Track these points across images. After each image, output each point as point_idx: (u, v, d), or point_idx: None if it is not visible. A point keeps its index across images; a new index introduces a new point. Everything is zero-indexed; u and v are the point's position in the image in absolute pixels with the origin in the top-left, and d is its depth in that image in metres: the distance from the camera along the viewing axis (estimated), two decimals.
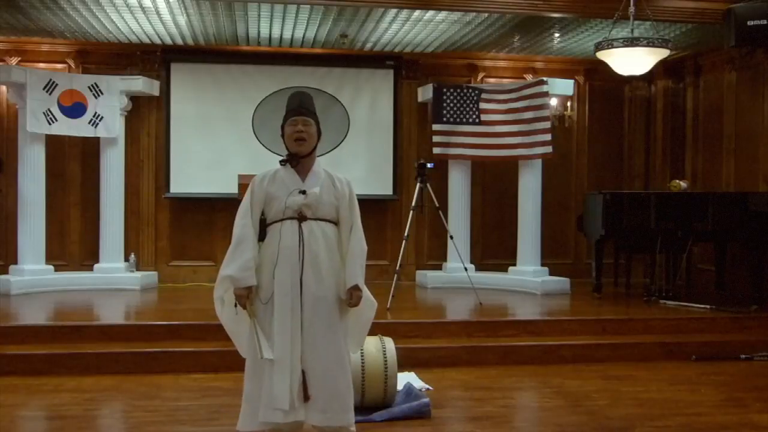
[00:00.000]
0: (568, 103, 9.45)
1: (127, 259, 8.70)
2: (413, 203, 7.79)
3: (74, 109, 8.26)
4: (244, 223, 3.62)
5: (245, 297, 3.56)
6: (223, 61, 8.97)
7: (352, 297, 3.61)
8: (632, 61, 6.73)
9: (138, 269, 8.77)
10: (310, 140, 3.64)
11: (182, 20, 7.57)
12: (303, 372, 3.51)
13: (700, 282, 8.91)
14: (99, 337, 6.11)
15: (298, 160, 3.65)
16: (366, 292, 3.72)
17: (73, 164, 8.92)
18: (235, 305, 3.62)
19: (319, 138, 3.72)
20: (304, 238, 3.56)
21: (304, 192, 3.58)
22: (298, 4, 6.99)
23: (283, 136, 3.70)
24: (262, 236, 3.65)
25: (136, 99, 8.83)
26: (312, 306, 3.55)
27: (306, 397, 3.50)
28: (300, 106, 3.66)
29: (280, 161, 3.69)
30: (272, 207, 3.62)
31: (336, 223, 3.69)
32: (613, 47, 6.62)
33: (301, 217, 3.58)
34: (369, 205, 8.96)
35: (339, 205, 3.68)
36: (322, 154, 3.79)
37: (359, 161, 9.15)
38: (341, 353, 3.61)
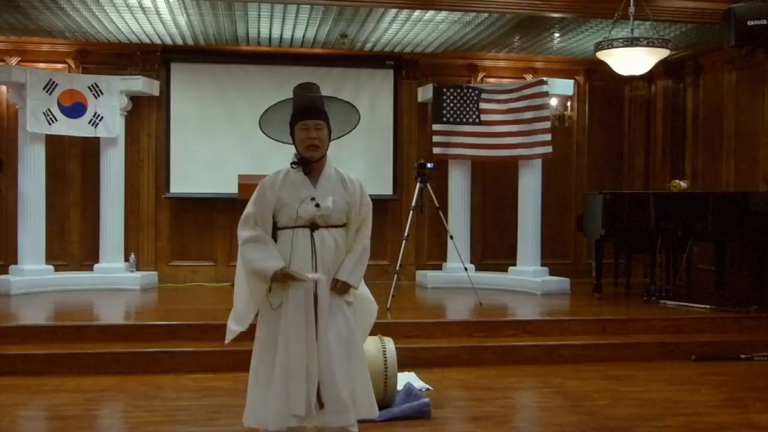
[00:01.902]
0: (568, 103, 9.45)
1: (127, 259, 8.70)
2: (413, 203, 7.79)
3: (74, 109, 8.25)
4: (251, 226, 3.55)
5: (284, 280, 3.47)
6: (223, 61, 8.97)
7: (338, 285, 3.56)
8: (632, 61, 6.73)
9: (138, 269, 8.77)
10: (322, 146, 3.56)
11: (182, 20, 7.57)
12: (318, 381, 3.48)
13: (700, 282, 8.90)
14: (99, 337, 6.11)
15: (311, 166, 3.57)
16: (368, 296, 3.74)
17: (73, 164, 8.92)
18: (269, 289, 3.53)
19: (330, 137, 3.63)
20: (316, 249, 3.52)
21: (316, 204, 3.50)
22: (298, 4, 6.99)
23: (292, 134, 3.59)
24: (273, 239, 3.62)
25: (136, 99, 8.83)
26: (327, 313, 3.52)
27: (320, 405, 3.47)
28: (310, 107, 3.55)
29: (291, 164, 3.60)
30: (283, 213, 3.55)
31: (346, 224, 3.66)
32: (613, 47, 6.62)
33: (312, 226, 3.54)
34: None
35: (350, 207, 3.63)
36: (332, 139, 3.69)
37: (359, 161, 9.14)
38: (359, 352, 3.62)
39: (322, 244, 3.53)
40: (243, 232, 3.58)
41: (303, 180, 3.56)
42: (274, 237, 3.59)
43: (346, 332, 3.57)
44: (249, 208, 3.61)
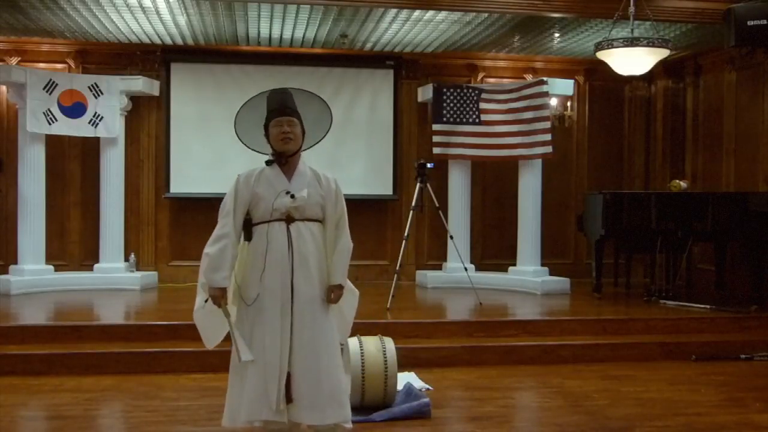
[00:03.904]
0: (568, 103, 9.45)
1: (127, 259, 8.70)
2: (413, 203, 7.78)
3: (74, 109, 8.25)
4: (225, 223, 3.63)
5: (220, 297, 3.57)
6: (223, 61, 8.97)
7: (333, 295, 3.65)
8: (632, 61, 6.73)
9: (138, 269, 8.77)
10: (296, 140, 3.65)
11: (182, 20, 7.56)
12: (288, 374, 3.51)
13: (700, 282, 8.90)
14: (99, 337, 6.12)
15: (285, 159, 3.66)
16: (347, 283, 3.77)
17: (73, 164, 8.92)
18: (206, 301, 3.63)
19: (303, 136, 3.73)
20: (292, 241, 3.57)
21: (291, 195, 3.57)
22: (298, 4, 6.99)
23: (267, 136, 3.69)
24: (248, 236, 3.65)
25: (136, 99, 8.83)
26: (303, 307, 3.57)
27: (288, 399, 3.49)
28: (283, 106, 3.67)
29: (266, 161, 3.70)
30: (259, 208, 3.62)
31: (322, 221, 3.71)
32: (613, 47, 6.62)
33: (288, 219, 3.59)
34: (369, 205, 8.98)
35: (325, 203, 3.69)
36: (305, 149, 3.81)
37: (359, 161, 9.15)
38: (334, 350, 3.65)
39: (298, 236, 3.58)
40: (218, 225, 3.66)
41: (278, 174, 3.64)
42: (250, 233, 3.63)
43: (319, 331, 3.59)
44: (226, 207, 3.66)
